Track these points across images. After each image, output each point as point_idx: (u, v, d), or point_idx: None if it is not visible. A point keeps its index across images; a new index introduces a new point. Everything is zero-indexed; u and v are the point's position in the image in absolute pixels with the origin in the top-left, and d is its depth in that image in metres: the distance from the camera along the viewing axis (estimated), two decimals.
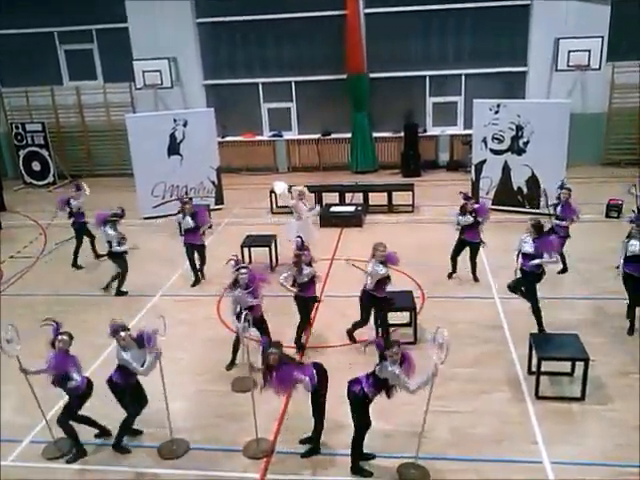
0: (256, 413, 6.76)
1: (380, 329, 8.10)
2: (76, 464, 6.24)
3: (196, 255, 10.43)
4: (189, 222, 10.15)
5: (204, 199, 14.06)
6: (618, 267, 7.98)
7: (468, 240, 9.66)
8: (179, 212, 10.27)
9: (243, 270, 7.34)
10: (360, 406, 5.63)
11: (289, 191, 11.17)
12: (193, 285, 10.40)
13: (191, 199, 11.04)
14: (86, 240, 11.51)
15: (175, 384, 7.46)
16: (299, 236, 8.35)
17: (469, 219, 9.47)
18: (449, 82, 17.10)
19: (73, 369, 6.11)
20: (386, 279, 7.77)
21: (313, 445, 6.14)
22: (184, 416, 6.94)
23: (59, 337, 6.15)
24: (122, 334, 6.08)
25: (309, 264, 7.97)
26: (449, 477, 5.75)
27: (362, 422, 5.72)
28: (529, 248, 7.90)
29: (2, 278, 11.00)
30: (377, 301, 7.87)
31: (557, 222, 9.53)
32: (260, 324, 7.43)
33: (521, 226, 9.80)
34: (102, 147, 18.38)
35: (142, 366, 6.06)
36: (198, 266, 10.49)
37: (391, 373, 5.42)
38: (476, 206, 9.70)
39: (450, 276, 10.08)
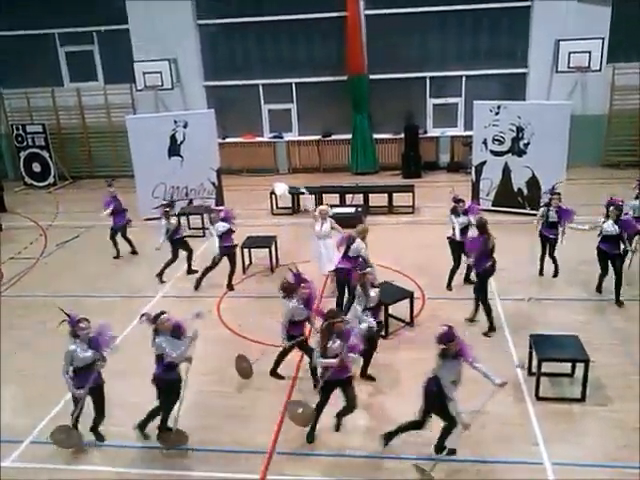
0: (256, 414, 6.79)
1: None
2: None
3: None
4: (222, 226, 9.86)
5: (205, 201, 14.07)
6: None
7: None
8: (211, 221, 10.03)
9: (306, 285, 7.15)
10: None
11: (310, 210, 10.54)
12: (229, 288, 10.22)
13: (215, 209, 10.88)
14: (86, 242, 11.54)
15: None
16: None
17: (465, 220, 9.38)
18: (449, 83, 17.12)
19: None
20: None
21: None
22: (184, 418, 6.93)
23: (81, 324, 6.24)
24: (163, 317, 6.27)
25: (373, 285, 7.16)
26: (450, 478, 5.75)
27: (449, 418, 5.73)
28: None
29: (2, 279, 11.01)
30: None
31: (547, 230, 9.53)
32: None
33: (521, 227, 9.84)
34: (103, 148, 18.40)
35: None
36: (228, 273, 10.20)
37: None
38: (467, 206, 9.57)
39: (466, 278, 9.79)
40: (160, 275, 10.61)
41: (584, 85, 16.01)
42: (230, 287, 10.20)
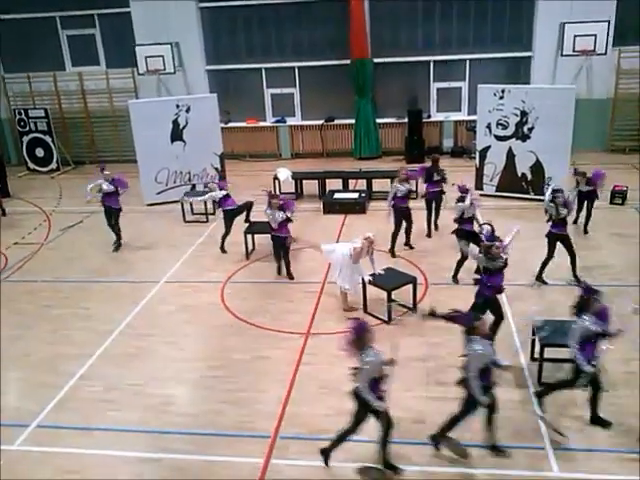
0: (260, 398, 6.83)
1: None
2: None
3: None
4: (280, 216, 9.53)
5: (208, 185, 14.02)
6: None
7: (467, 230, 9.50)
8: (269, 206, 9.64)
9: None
10: None
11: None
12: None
13: (276, 195, 10.26)
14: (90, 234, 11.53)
15: (179, 370, 7.54)
16: (487, 223, 7.68)
17: (467, 204, 9.32)
18: (453, 67, 17.00)
19: None
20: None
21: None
22: (188, 401, 6.99)
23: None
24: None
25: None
26: (452, 463, 5.78)
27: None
28: None
29: (6, 264, 11.04)
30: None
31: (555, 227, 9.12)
32: None
33: (524, 213, 9.79)
34: (105, 133, 18.36)
35: None
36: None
37: None
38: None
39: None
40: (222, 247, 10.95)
41: (589, 69, 15.88)
42: (290, 276, 9.84)
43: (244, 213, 11.03)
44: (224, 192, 10.95)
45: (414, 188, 11.26)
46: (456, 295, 8.96)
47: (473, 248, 7.92)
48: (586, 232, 10.83)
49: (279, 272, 9.98)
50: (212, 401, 6.90)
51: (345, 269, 8.50)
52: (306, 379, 7.16)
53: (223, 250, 10.98)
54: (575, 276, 9.03)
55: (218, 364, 7.62)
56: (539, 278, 9.18)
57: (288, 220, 9.64)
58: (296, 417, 6.51)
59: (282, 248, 9.73)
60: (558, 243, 9.03)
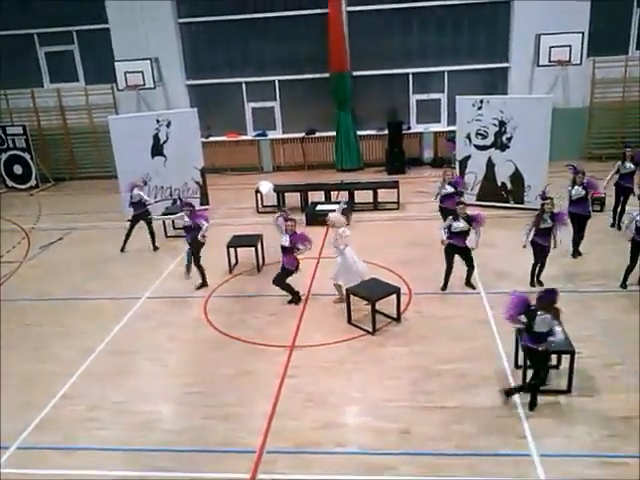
0: (245, 413, 6.78)
1: None
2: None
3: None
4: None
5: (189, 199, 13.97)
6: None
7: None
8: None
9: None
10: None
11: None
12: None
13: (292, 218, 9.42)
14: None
15: (163, 386, 7.46)
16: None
17: (464, 226, 9.10)
18: (432, 79, 17.18)
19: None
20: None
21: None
22: (172, 418, 6.91)
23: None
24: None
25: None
26: (438, 472, 5.77)
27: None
28: None
29: None
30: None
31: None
32: None
33: (505, 222, 9.88)
34: (85, 149, 18.24)
35: None
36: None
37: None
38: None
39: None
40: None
41: (565, 79, 16.15)
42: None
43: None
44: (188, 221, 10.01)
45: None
46: (441, 305, 9.02)
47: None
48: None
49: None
50: (197, 417, 6.83)
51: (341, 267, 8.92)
52: (291, 392, 7.12)
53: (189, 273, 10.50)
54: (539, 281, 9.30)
55: (202, 380, 7.54)
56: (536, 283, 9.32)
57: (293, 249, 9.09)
58: (282, 431, 6.46)
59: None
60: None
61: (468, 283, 9.42)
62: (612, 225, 11.59)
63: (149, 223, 11.97)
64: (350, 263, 8.88)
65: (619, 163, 11.26)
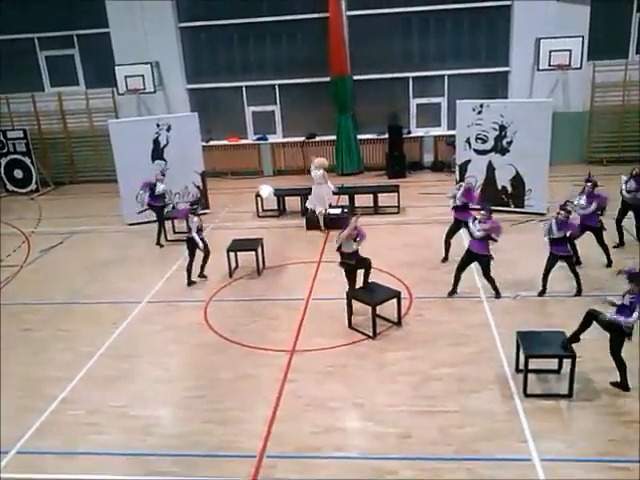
0: (246, 418, 6.76)
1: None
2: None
3: None
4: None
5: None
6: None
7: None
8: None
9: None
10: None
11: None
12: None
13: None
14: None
15: (163, 391, 7.45)
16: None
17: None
18: (432, 83, 17.17)
19: None
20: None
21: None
22: (172, 422, 6.90)
23: None
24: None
25: None
26: (439, 476, 5.75)
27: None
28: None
29: None
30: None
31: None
32: None
33: (505, 226, 9.87)
34: (85, 153, 18.23)
35: None
36: None
37: None
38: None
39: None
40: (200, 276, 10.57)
41: (565, 83, 16.15)
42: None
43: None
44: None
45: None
46: (441, 309, 9.01)
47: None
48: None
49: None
50: (197, 421, 6.81)
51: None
52: (291, 397, 7.11)
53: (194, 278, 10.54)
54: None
55: (202, 384, 7.53)
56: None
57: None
58: (282, 436, 6.45)
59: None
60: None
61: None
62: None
63: (165, 218, 12.43)
64: (323, 194, 12.37)
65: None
